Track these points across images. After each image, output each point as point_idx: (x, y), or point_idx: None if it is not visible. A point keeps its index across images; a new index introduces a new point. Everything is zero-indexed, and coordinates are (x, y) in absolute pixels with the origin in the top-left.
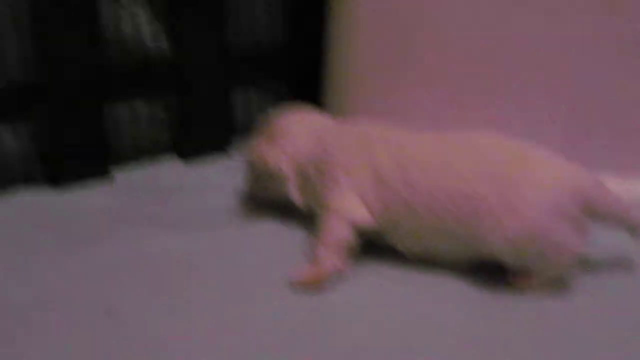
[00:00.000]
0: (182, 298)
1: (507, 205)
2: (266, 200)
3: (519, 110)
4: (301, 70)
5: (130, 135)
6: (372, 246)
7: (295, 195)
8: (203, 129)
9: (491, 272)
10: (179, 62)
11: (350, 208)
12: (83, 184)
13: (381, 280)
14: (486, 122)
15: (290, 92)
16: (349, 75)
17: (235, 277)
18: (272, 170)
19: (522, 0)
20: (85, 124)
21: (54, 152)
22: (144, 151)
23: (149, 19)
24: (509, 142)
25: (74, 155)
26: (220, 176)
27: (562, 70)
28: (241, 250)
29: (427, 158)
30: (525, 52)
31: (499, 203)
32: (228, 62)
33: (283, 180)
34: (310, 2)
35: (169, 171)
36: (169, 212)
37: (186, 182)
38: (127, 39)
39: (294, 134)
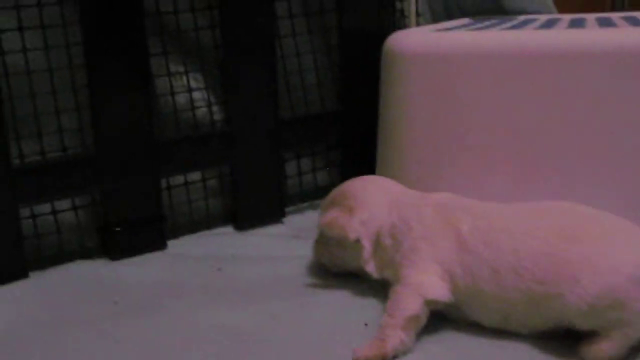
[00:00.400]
0: None
1: (588, 266)
2: (334, 270)
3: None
4: (354, 139)
5: (185, 205)
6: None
7: (371, 267)
8: (256, 199)
9: (563, 340)
10: (231, 132)
11: (428, 283)
12: (138, 255)
13: (444, 349)
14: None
15: (343, 161)
16: (399, 149)
17: (293, 354)
18: (350, 242)
19: (562, 90)
20: (140, 196)
21: (110, 223)
22: (198, 221)
23: (202, 90)
24: (585, 209)
25: (130, 227)
26: (274, 245)
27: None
28: (299, 324)
29: (508, 223)
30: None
31: (580, 263)
32: (280, 131)
33: (360, 251)
34: (362, 71)
35: (223, 241)
36: (223, 283)
37: (240, 251)
38: (180, 110)
39: (370, 203)
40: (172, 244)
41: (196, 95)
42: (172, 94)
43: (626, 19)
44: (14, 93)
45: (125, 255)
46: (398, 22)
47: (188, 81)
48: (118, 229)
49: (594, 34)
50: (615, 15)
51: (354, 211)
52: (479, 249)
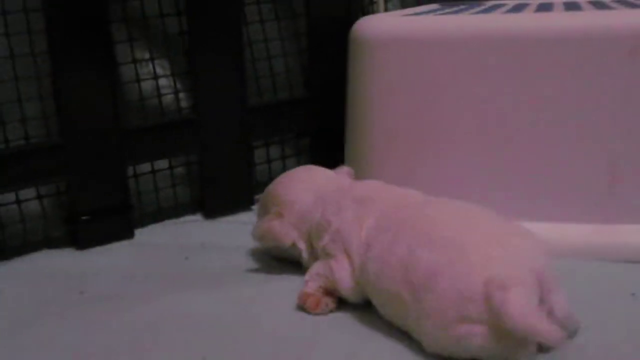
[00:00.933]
0: (204, 357)
1: (452, 275)
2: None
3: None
4: (323, 126)
5: (152, 194)
6: None
7: (310, 263)
8: (225, 186)
9: None
10: (199, 119)
11: (341, 271)
12: (105, 244)
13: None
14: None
15: (312, 148)
16: (366, 136)
17: (259, 340)
18: (286, 246)
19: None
20: (107, 184)
21: (76, 213)
22: (166, 210)
23: (168, 77)
24: (486, 212)
25: (96, 216)
26: (243, 233)
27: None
28: (266, 311)
29: (405, 220)
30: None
31: (446, 270)
32: (248, 118)
33: (296, 251)
34: (331, 57)
35: (191, 230)
36: (190, 271)
37: (208, 240)
38: (147, 97)
39: (298, 204)
40: (139, 232)
41: (162, 82)
42: (138, 81)
43: (592, 3)
44: None
45: (92, 244)
46: (366, 8)
47: (154, 68)
48: (84, 218)
49: (560, 18)
50: (582, 0)
51: (283, 216)
52: (375, 245)
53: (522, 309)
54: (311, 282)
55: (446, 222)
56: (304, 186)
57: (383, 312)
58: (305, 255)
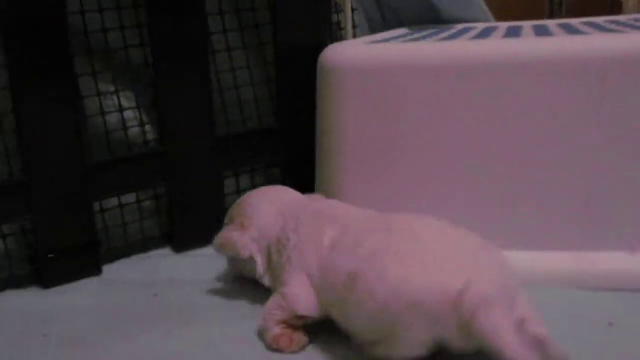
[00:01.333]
0: None
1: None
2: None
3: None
4: (293, 155)
5: (120, 229)
6: None
7: (266, 280)
8: (194, 218)
9: None
10: (166, 151)
11: (297, 297)
12: (72, 282)
13: None
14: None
15: (283, 178)
16: (335, 164)
17: None
18: (243, 257)
19: (495, 100)
20: (73, 221)
21: (42, 251)
22: (135, 245)
23: (134, 109)
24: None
25: (62, 253)
26: (213, 267)
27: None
28: (239, 350)
29: (356, 235)
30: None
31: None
32: (217, 149)
33: (254, 265)
34: (300, 86)
35: (160, 264)
36: (159, 309)
37: (177, 275)
38: (112, 130)
39: (261, 218)
40: (107, 269)
41: (128, 114)
42: (103, 114)
43: (562, 26)
44: None
45: (58, 283)
46: (335, 34)
47: (119, 100)
48: (50, 256)
49: (528, 43)
50: (552, 23)
51: (245, 228)
52: (329, 260)
53: (502, 328)
54: (271, 322)
55: (418, 235)
56: (270, 202)
57: (336, 314)
58: (260, 270)
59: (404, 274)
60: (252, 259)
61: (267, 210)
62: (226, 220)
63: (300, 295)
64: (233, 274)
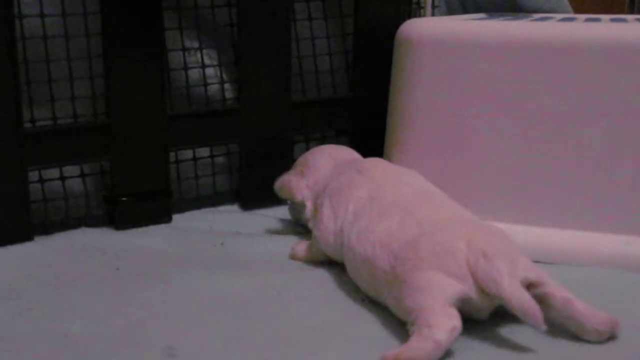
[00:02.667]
0: (239, 340)
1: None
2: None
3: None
4: (363, 125)
5: (192, 181)
6: None
7: (311, 224)
8: (264, 178)
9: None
10: (242, 111)
11: (321, 238)
12: (142, 226)
13: None
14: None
15: (351, 147)
16: (405, 138)
17: (291, 324)
18: (297, 200)
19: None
20: (149, 168)
21: (116, 194)
22: (204, 198)
23: (215, 67)
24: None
25: (136, 198)
26: (279, 225)
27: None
28: (299, 296)
29: (394, 201)
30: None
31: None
32: (290, 113)
33: (304, 209)
34: (376, 59)
35: (228, 218)
36: (224, 256)
37: (244, 229)
38: (193, 85)
39: (318, 169)
40: (177, 217)
41: (209, 71)
42: (186, 68)
43: (638, 19)
44: (29, 58)
45: (130, 225)
46: (414, 13)
47: (202, 57)
48: (124, 199)
49: (611, 28)
50: (630, 17)
51: (303, 176)
52: (362, 214)
53: (511, 282)
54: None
55: (434, 207)
56: (329, 156)
57: (352, 276)
58: (308, 214)
59: (415, 261)
60: (304, 203)
61: (324, 163)
62: (291, 169)
63: (326, 225)
64: (293, 221)
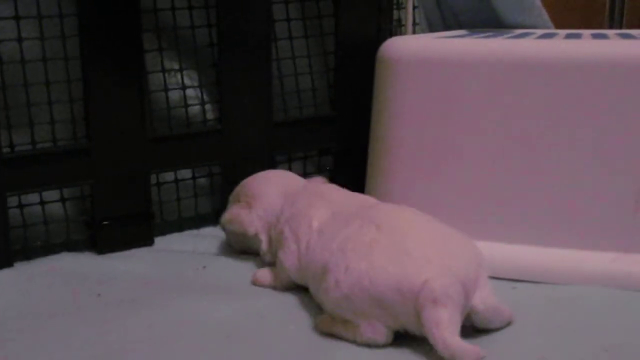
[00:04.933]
0: None
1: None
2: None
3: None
4: (346, 145)
5: (174, 203)
6: None
7: (267, 256)
8: None
9: None
10: (224, 132)
11: (284, 259)
12: (124, 250)
13: None
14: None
15: (334, 166)
16: (388, 156)
17: (276, 350)
18: (250, 234)
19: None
20: (130, 192)
21: (97, 218)
22: (187, 220)
23: (195, 88)
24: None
25: (117, 221)
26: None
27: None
28: (283, 321)
29: (328, 228)
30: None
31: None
32: (273, 133)
33: (259, 242)
34: (357, 77)
35: (210, 241)
36: (207, 280)
37: (226, 252)
38: (173, 107)
39: (266, 198)
40: (159, 240)
41: (189, 92)
42: (166, 90)
43: (621, 35)
44: (7, 82)
45: (112, 249)
46: (395, 31)
47: (182, 78)
48: (105, 223)
49: (591, 45)
50: (610, 32)
51: (252, 207)
52: (312, 246)
53: (445, 332)
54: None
55: (391, 227)
56: (274, 184)
57: (314, 294)
58: (264, 246)
59: (366, 269)
60: (257, 236)
61: (271, 191)
62: (231, 199)
63: (290, 255)
64: (236, 250)
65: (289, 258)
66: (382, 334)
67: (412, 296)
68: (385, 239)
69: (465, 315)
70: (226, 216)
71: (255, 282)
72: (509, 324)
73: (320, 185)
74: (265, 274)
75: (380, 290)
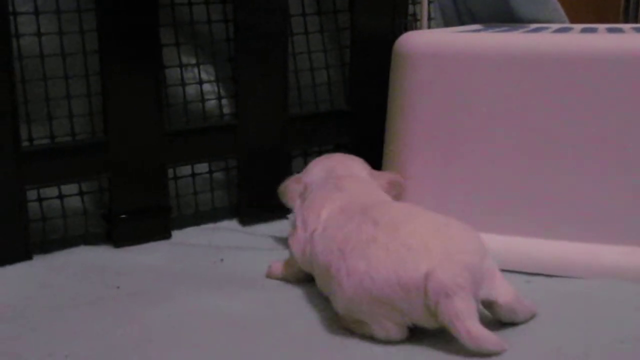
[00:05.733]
0: (235, 357)
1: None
2: None
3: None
4: (361, 139)
5: (191, 197)
6: None
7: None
8: (262, 194)
9: None
10: (240, 126)
11: (292, 244)
12: (142, 243)
13: None
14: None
15: None
16: (403, 150)
17: (289, 341)
18: (290, 205)
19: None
20: (147, 185)
21: (114, 211)
22: (203, 214)
23: (212, 82)
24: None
25: (134, 215)
26: (278, 240)
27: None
28: (297, 313)
29: (334, 223)
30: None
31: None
32: (288, 127)
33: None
34: (373, 72)
35: (227, 234)
36: (223, 272)
37: (243, 245)
38: (190, 101)
39: (312, 177)
40: (176, 234)
41: (206, 87)
42: (183, 84)
43: (636, 29)
44: (27, 76)
45: (129, 242)
46: (410, 25)
47: (199, 73)
48: (123, 216)
49: (607, 39)
50: (626, 26)
51: (300, 181)
52: (317, 239)
53: (467, 322)
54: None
55: (394, 212)
56: (322, 167)
57: (320, 287)
58: (291, 219)
59: (366, 269)
60: (293, 205)
61: (317, 171)
62: None
63: (297, 241)
64: None
65: (295, 244)
66: (395, 332)
67: (414, 289)
68: (383, 234)
69: (489, 309)
70: (281, 186)
71: (269, 275)
72: (532, 316)
73: (344, 178)
74: (278, 266)
75: (382, 288)
